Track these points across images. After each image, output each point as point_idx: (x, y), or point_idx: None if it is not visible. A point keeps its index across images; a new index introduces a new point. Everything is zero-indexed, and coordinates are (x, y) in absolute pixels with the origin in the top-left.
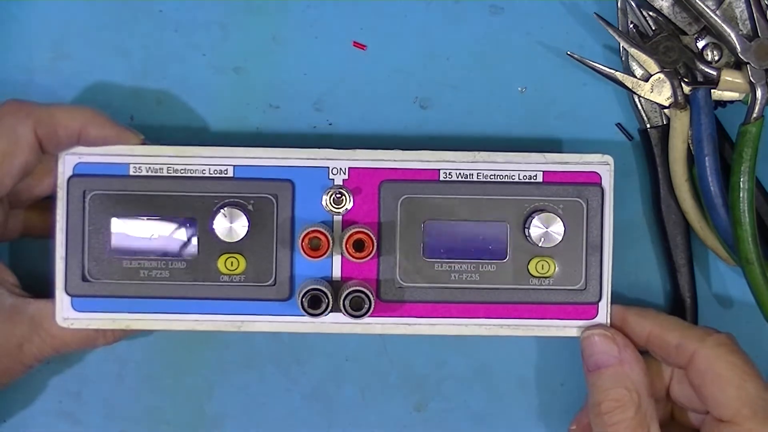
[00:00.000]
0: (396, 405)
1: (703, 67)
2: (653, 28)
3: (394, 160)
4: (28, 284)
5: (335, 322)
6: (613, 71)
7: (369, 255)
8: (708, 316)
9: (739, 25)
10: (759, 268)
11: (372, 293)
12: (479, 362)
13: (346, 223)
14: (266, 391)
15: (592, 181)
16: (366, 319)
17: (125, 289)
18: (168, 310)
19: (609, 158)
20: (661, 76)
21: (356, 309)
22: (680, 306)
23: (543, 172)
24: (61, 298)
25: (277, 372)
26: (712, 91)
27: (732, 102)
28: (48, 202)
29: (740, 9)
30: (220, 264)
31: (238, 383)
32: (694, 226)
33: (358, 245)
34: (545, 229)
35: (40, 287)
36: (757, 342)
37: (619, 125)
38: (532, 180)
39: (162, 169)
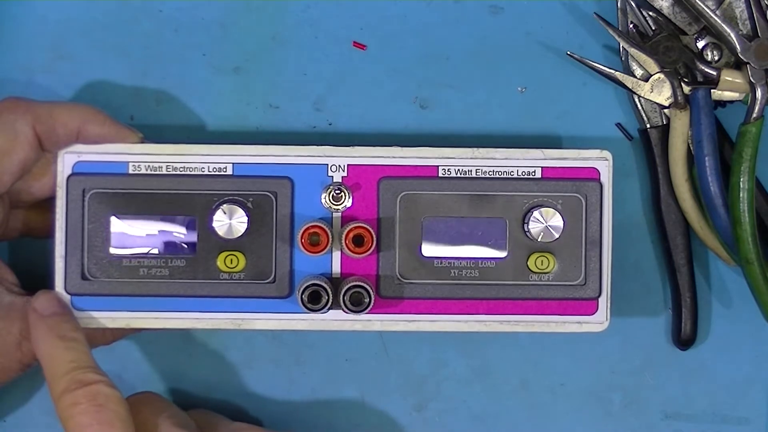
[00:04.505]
0: (396, 405)
1: (703, 67)
2: (653, 28)
3: (393, 157)
4: (27, 283)
5: (335, 319)
6: (613, 71)
7: (368, 250)
8: (708, 316)
9: (739, 25)
10: (759, 268)
11: (372, 288)
12: (479, 362)
13: (346, 220)
14: (266, 391)
15: (591, 176)
16: (366, 316)
17: (125, 288)
18: (168, 308)
19: (608, 154)
20: (661, 76)
21: (356, 304)
22: (680, 306)
23: (542, 168)
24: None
25: (277, 372)
26: (712, 91)
27: (732, 102)
28: (48, 203)
29: (740, 9)
30: (220, 262)
31: (238, 383)
32: (694, 226)
33: (358, 240)
34: (544, 225)
35: (39, 286)
36: (757, 342)
37: (619, 125)
38: (531, 176)
39: (161, 167)
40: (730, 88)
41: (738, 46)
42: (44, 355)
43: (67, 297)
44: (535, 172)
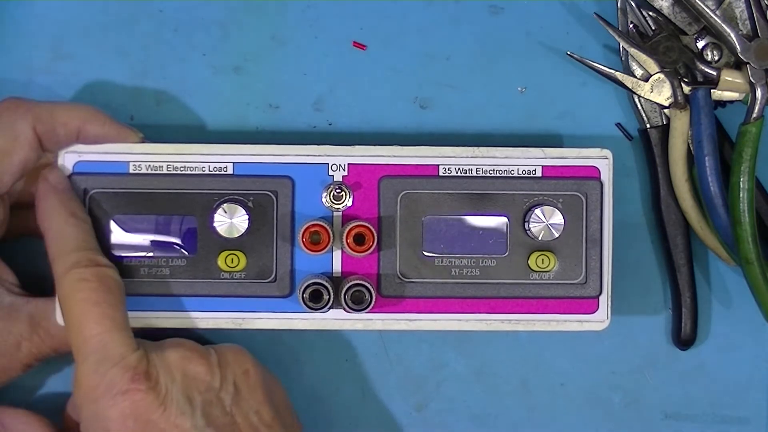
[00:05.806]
0: (396, 405)
1: (703, 67)
2: (653, 28)
3: (394, 156)
4: (27, 283)
5: (336, 318)
6: (613, 71)
7: (369, 249)
8: (708, 316)
9: (739, 25)
10: (759, 268)
11: (373, 287)
12: (479, 362)
13: (346, 219)
14: None
15: (591, 175)
16: (366, 315)
17: (126, 287)
18: (168, 307)
19: (608, 152)
20: (661, 76)
21: (357, 303)
22: (680, 306)
23: (542, 166)
24: None
25: (277, 372)
26: (712, 91)
27: (732, 102)
28: None
29: (740, 9)
30: (221, 261)
31: None
32: (694, 226)
33: (359, 239)
34: (545, 224)
35: (39, 286)
36: (757, 342)
37: (618, 125)
38: (532, 175)
39: (162, 167)
40: (730, 88)
41: (738, 46)
42: (53, 228)
43: None
44: (535, 170)
